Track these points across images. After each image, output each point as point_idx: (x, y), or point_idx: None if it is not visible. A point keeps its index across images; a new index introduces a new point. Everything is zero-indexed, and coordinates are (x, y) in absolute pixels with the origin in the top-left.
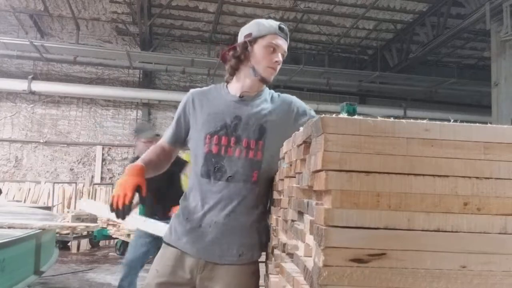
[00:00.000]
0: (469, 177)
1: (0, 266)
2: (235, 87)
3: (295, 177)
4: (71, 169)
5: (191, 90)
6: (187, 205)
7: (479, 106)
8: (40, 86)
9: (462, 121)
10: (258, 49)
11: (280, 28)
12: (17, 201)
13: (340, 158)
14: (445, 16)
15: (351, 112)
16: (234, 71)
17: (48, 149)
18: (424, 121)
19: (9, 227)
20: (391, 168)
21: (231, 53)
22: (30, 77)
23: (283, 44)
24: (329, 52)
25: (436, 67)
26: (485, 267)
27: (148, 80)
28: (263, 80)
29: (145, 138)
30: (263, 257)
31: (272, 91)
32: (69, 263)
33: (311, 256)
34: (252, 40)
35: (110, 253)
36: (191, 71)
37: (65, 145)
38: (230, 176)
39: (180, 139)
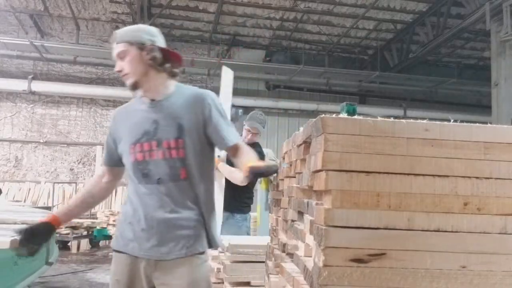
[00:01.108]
0: (469, 177)
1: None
2: (143, 94)
3: (295, 177)
4: (71, 169)
5: (115, 112)
6: (127, 210)
7: (479, 106)
8: (40, 86)
9: (462, 121)
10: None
11: (112, 38)
12: (17, 201)
13: (340, 158)
14: (445, 16)
15: (351, 112)
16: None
17: (48, 149)
18: (424, 121)
19: (22, 223)
20: (391, 168)
21: None
22: (30, 77)
23: (115, 50)
24: (329, 52)
25: (436, 67)
26: (485, 267)
27: (172, 77)
28: (131, 87)
29: (249, 126)
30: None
31: (188, 86)
32: (69, 263)
33: (311, 256)
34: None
35: (110, 253)
36: (191, 71)
37: (65, 145)
38: (159, 178)
39: (114, 158)
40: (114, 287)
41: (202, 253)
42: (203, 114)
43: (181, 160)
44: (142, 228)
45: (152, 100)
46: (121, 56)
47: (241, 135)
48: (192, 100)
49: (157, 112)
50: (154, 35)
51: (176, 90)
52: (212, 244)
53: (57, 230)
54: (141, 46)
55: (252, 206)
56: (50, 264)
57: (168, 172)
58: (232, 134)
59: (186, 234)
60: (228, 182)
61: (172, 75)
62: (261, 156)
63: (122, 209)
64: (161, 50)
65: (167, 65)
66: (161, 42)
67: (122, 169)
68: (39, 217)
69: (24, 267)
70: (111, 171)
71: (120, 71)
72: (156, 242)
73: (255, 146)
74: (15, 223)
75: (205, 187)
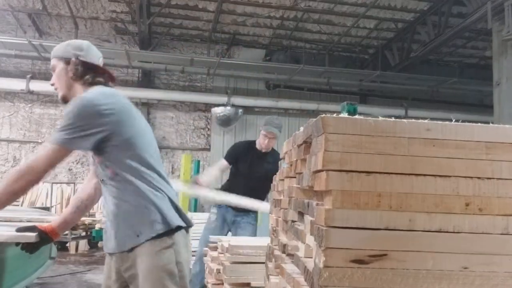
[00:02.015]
0: (471, 177)
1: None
2: None
3: (295, 177)
4: (70, 169)
5: None
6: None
7: (480, 106)
8: (38, 86)
9: (463, 121)
10: None
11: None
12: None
13: (341, 158)
14: (446, 15)
15: (352, 112)
16: None
17: None
18: (426, 121)
19: (28, 221)
20: (392, 168)
21: None
22: (28, 76)
23: (51, 64)
24: (329, 51)
25: (438, 67)
26: (487, 268)
27: (147, 80)
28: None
29: (266, 131)
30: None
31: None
32: (67, 264)
33: (311, 257)
34: None
35: None
36: (190, 70)
37: None
38: (102, 180)
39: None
40: (103, 281)
41: (157, 238)
42: None
43: (102, 164)
44: (107, 225)
45: None
46: (53, 70)
47: (258, 141)
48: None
49: None
50: (81, 50)
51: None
52: (170, 224)
53: None
54: (67, 61)
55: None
56: (53, 258)
57: (103, 174)
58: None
59: (132, 223)
60: (246, 181)
61: (94, 84)
62: (275, 168)
63: None
64: (86, 63)
65: (87, 76)
66: (90, 56)
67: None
68: (41, 218)
69: (35, 260)
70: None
71: (52, 85)
72: (115, 235)
73: (273, 152)
74: (21, 221)
75: (129, 182)
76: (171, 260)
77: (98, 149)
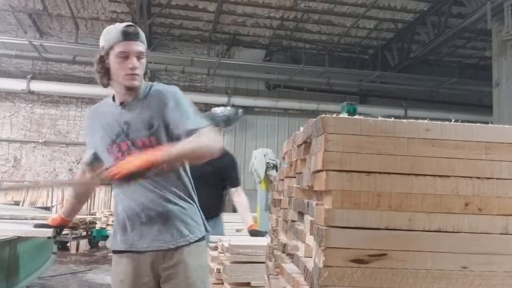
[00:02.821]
0: (470, 177)
1: (38, 248)
2: (117, 96)
3: (295, 177)
4: (70, 169)
5: (88, 110)
6: (120, 210)
7: (480, 106)
8: (39, 86)
9: (463, 121)
10: (111, 60)
11: (125, 32)
12: (15, 201)
13: (341, 158)
14: (446, 16)
15: (352, 112)
16: (103, 84)
17: (47, 149)
18: (425, 121)
19: (32, 219)
20: (392, 168)
21: (94, 68)
22: (29, 76)
23: (134, 46)
24: (329, 52)
25: (437, 67)
26: (486, 268)
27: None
28: (128, 88)
29: None
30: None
31: (149, 84)
32: (68, 263)
33: (311, 257)
34: (105, 53)
35: (110, 254)
36: (190, 70)
37: (64, 145)
38: None
39: (98, 157)
40: (117, 287)
41: (201, 239)
42: (165, 107)
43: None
44: (141, 222)
45: (121, 102)
46: (141, 56)
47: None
48: (157, 97)
49: (127, 114)
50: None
51: (143, 89)
52: (206, 228)
53: None
54: (146, 51)
55: (253, 206)
56: (55, 253)
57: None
58: (195, 120)
59: (183, 221)
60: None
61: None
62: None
63: (116, 210)
64: None
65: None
66: None
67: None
68: (44, 216)
69: (44, 253)
70: (92, 169)
71: (134, 68)
72: (157, 233)
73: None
74: (25, 219)
75: (186, 176)
76: (207, 261)
77: (171, 139)
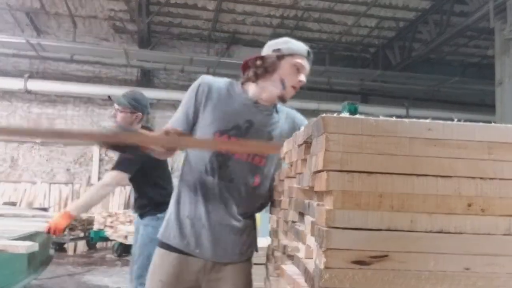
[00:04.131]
0: (473, 178)
1: (41, 248)
2: (252, 91)
3: (295, 177)
4: (68, 170)
5: (204, 77)
6: (185, 202)
7: (482, 105)
8: (36, 85)
9: (465, 121)
10: (285, 65)
11: (308, 53)
12: (12, 202)
13: (342, 158)
14: (448, 14)
15: (353, 111)
16: (256, 79)
17: (45, 149)
18: (427, 120)
19: (33, 216)
20: (393, 168)
21: (258, 62)
22: (26, 75)
23: (308, 67)
24: (330, 51)
25: (439, 66)
26: (489, 269)
27: (146, 79)
28: (281, 98)
29: (121, 106)
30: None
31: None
32: (65, 265)
33: (312, 258)
34: (281, 55)
35: (107, 255)
36: (190, 69)
37: (62, 145)
38: (233, 177)
39: (190, 128)
40: (156, 287)
41: (250, 258)
42: (291, 134)
43: (260, 169)
44: (203, 225)
45: (256, 102)
46: (306, 75)
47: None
48: (285, 117)
49: (255, 114)
50: None
51: (278, 107)
52: (256, 248)
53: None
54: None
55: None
56: (51, 257)
57: (245, 175)
58: None
59: (244, 239)
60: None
61: None
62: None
63: (177, 198)
64: None
65: None
66: None
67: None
68: (43, 214)
69: (43, 254)
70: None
71: (301, 83)
72: (216, 243)
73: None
74: (26, 216)
75: (266, 196)
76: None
77: (276, 159)
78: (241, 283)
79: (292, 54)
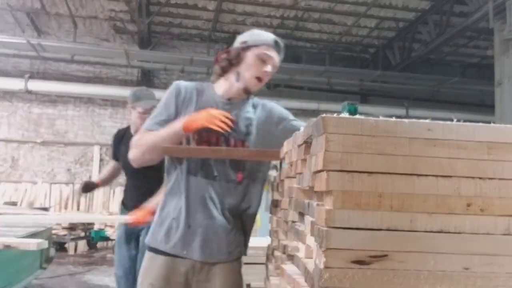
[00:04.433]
0: (472, 178)
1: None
2: (222, 89)
3: (295, 177)
4: (68, 170)
5: (178, 83)
6: (170, 203)
7: (482, 106)
8: (37, 85)
9: (465, 121)
10: (250, 56)
11: (276, 41)
12: (13, 202)
13: (342, 158)
14: (448, 15)
15: (353, 112)
16: (222, 73)
17: (45, 149)
18: (427, 120)
19: (33, 215)
20: (393, 169)
21: (224, 55)
22: (26, 76)
23: (275, 57)
24: (330, 51)
25: (439, 66)
26: (488, 269)
27: (146, 79)
28: (246, 90)
29: (142, 108)
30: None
31: (253, 97)
32: (66, 264)
33: (312, 258)
34: (246, 47)
35: (108, 255)
36: (190, 70)
37: (62, 145)
38: (216, 175)
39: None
40: None
41: (239, 258)
42: (276, 121)
43: (242, 164)
44: (188, 226)
45: (229, 99)
46: (275, 68)
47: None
48: (260, 110)
49: (229, 108)
50: None
51: (249, 99)
52: (246, 251)
53: (54, 231)
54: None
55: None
56: (44, 268)
57: (227, 171)
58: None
59: (231, 238)
60: (133, 178)
61: None
62: None
63: (163, 202)
64: None
65: None
66: None
67: None
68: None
69: (23, 269)
70: None
71: (266, 74)
72: (202, 243)
73: None
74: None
75: (254, 195)
76: (242, 281)
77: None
78: (230, 283)
79: (257, 45)
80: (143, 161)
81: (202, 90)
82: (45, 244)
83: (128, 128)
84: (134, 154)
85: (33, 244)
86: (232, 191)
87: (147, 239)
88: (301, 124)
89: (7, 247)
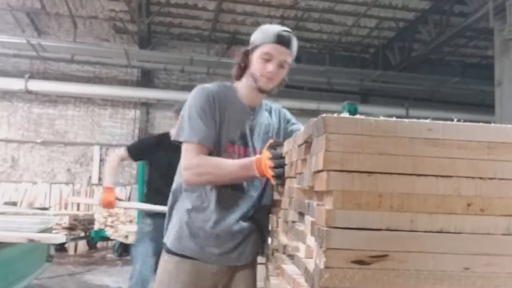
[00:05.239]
0: (473, 178)
1: (29, 254)
2: (244, 95)
3: (295, 177)
4: (68, 170)
5: (208, 87)
6: (196, 213)
7: (482, 106)
8: (37, 85)
9: (465, 121)
10: (254, 57)
11: (278, 36)
12: (13, 202)
13: (342, 158)
14: (448, 14)
15: (353, 112)
16: (237, 77)
17: (45, 149)
18: (427, 120)
19: (34, 214)
20: (393, 169)
21: (236, 58)
22: (26, 76)
23: (282, 52)
24: (330, 51)
25: (439, 66)
26: (489, 269)
27: (146, 79)
28: (260, 89)
29: None
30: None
31: (266, 101)
32: (66, 264)
33: (312, 258)
34: (252, 48)
35: (108, 255)
36: (190, 70)
37: (62, 145)
38: (244, 187)
39: (215, 140)
40: None
41: (256, 259)
42: (281, 127)
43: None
44: (217, 234)
45: (250, 106)
46: (284, 65)
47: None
48: (273, 113)
49: (254, 119)
50: None
51: (263, 104)
52: (264, 251)
53: (54, 232)
54: (292, 61)
55: None
56: (50, 261)
57: (255, 183)
58: None
59: (256, 242)
60: (166, 181)
61: None
62: None
63: (187, 209)
64: None
65: None
66: None
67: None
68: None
69: (33, 262)
70: (205, 152)
71: (271, 73)
72: (232, 249)
73: None
74: (27, 214)
75: (271, 197)
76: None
77: None
78: (252, 283)
79: (260, 45)
80: (200, 185)
81: (228, 96)
82: (63, 238)
83: (163, 135)
84: (193, 180)
85: (56, 238)
86: (259, 199)
87: (171, 244)
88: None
89: (31, 240)
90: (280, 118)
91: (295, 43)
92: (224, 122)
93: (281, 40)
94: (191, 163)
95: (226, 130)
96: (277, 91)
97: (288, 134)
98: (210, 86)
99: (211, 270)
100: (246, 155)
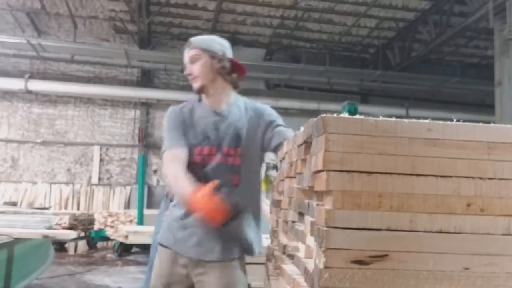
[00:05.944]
0: (472, 178)
1: (35, 249)
2: (208, 101)
3: (295, 177)
4: (68, 170)
5: (176, 107)
6: (174, 206)
7: (482, 106)
8: (37, 85)
9: (465, 121)
10: None
11: (188, 43)
12: (13, 202)
13: (341, 158)
14: (448, 14)
15: (353, 112)
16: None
17: (45, 149)
18: (427, 120)
19: (33, 213)
20: (393, 169)
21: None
22: (27, 76)
23: (187, 53)
24: (330, 51)
25: (439, 66)
26: (488, 269)
27: (146, 79)
28: (196, 91)
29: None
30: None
31: (245, 99)
32: (66, 264)
33: (312, 258)
34: None
35: (108, 255)
36: None
37: (62, 145)
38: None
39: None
40: (156, 281)
41: (233, 259)
42: (263, 125)
43: (236, 167)
44: (186, 227)
45: (215, 109)
46: (193, 60)
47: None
48: (252, 113)
49: (218, 118)
50: (226, 47)
51: (237, 101)
52: (248, 251)
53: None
54: (212, 55)
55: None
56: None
57: (223, 177)
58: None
59: (226, 240)
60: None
61: (235, 86)
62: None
63: (173, 203)
64: (230, 61)
65: (234, 76)
66: (230, 54)
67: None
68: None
69: (39, 257)
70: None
71: (189, 75)
72: (197, 244)
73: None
74: (26, 214)
75: (251, 197)
76: (242, 276)
77: (251, 156)
78: (223, 281)
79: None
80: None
81: (193, 107)
82: (75, 234)
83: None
84: (168, 179)
85: (68, 234)
86: (230, 195)
87: (158, 236)
88: (286, 131)
89: (46, 237)
90: (260, 120)
91: (196, 40)
92: (190, 130)
93: (187, 46)
94: (166, 171)
95: (193, 136)
96: (238, 80)
97: (273, 136)
98: (179, 105)
99: (182, 261)
100: (210, 153)
